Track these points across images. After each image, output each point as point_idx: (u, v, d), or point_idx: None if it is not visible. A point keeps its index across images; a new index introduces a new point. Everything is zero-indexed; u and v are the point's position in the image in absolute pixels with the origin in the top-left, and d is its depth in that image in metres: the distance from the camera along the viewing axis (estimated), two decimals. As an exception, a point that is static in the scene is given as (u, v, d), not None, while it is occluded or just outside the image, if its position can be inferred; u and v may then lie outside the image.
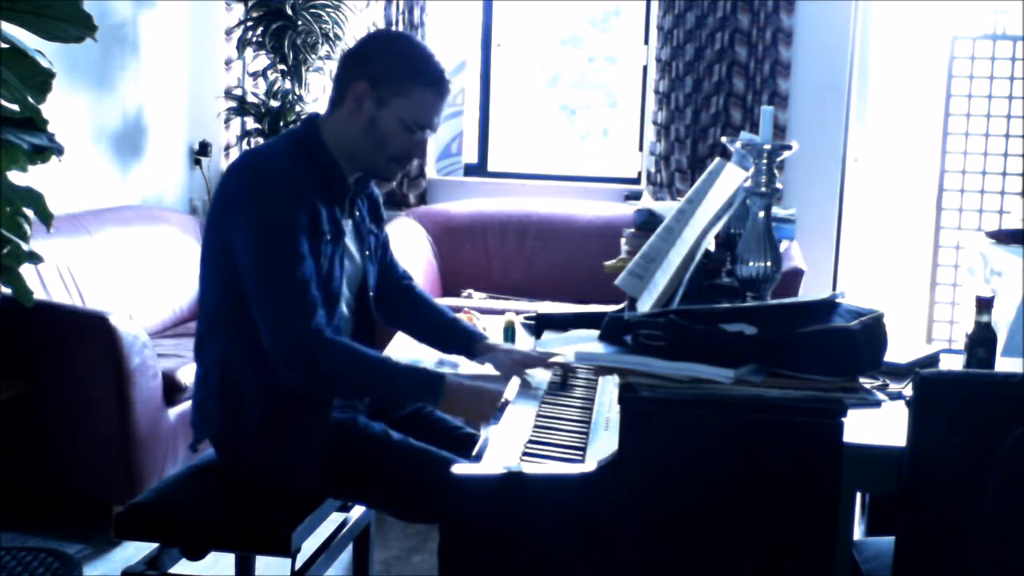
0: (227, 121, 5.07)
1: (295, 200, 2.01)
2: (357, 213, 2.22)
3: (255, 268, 2.00)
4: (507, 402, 1.99)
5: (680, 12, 4.81)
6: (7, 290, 1.99)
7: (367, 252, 2.25)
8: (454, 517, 1.62)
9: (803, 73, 4.88)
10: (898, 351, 2.10)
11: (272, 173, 2.03)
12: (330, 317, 2.10)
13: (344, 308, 2.19)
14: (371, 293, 2.27)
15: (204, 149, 5.04)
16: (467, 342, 2.35)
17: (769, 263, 2.04)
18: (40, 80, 1.89)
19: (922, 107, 5.28)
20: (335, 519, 2.45)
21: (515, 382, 2.11)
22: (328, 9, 4.67)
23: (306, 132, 2.13)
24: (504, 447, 1.75)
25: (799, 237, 4.43)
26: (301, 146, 2.10)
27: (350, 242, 2.19)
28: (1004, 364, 2.17)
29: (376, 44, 2.19)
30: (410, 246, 4.63)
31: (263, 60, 4.79)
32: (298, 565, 2.18)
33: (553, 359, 2.16)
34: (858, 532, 2.34)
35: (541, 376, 2.12)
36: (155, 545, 2.12)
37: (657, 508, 1.58)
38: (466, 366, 2.41)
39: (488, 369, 2.28)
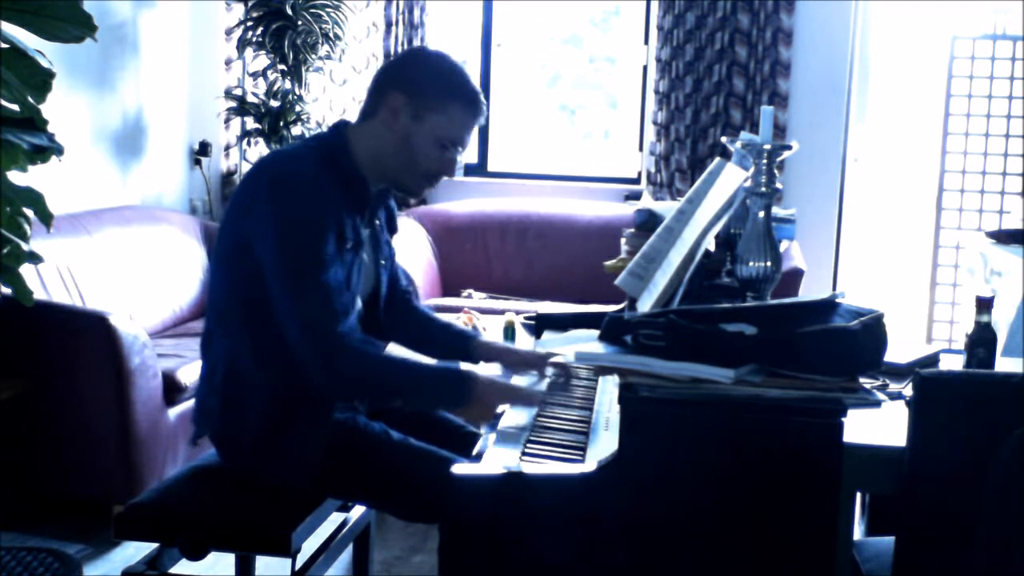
0: (227, 121, 5.07)
1: (322, 206, 2.01)
2: (377, 223, 2.22)
3: (283, 272, 1.98)
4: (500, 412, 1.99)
5: (680, 12, 4.81)
6: (7, 290, 1.99)
7: (382, 261, 2.25)
8: (454, 517, 1.62)
9: (803, 73, 4.88)
10: (898, 351, 2.10)
11: (300, 178, 2.01)
12: None
13: (353, 316, 2.19)
14: (381, 304, 2.27)
15: (204, 149, 5.04)
16: (461, 344, 2.32)
17: (769, 263, 2.04)
18: (40, 80, 1.89)
19: (922, 107, 5.28)
20: (335, 519, 2.45)
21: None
22: (328, 9, 4.67)
23: (333, 139, 2.11)
24: (504, 447, 1.75)
25: (799, 237, 4.43)
26: (327, 153, 2.08)
27: (365, 251, 2.19)
28: (1004, 364, 2.17)
29: (416, 59, 2.21)
30: (410, 246, 4.63)
31: (263, 60, 4.79)
32: (298, 565, 2.18)
33: (553, 359, 2.16)
34: (858, 532, 2.34)
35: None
36: (155, 545, 2.12)
37: (657, 508, 1.58)
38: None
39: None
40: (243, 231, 2.04)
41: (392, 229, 2.32)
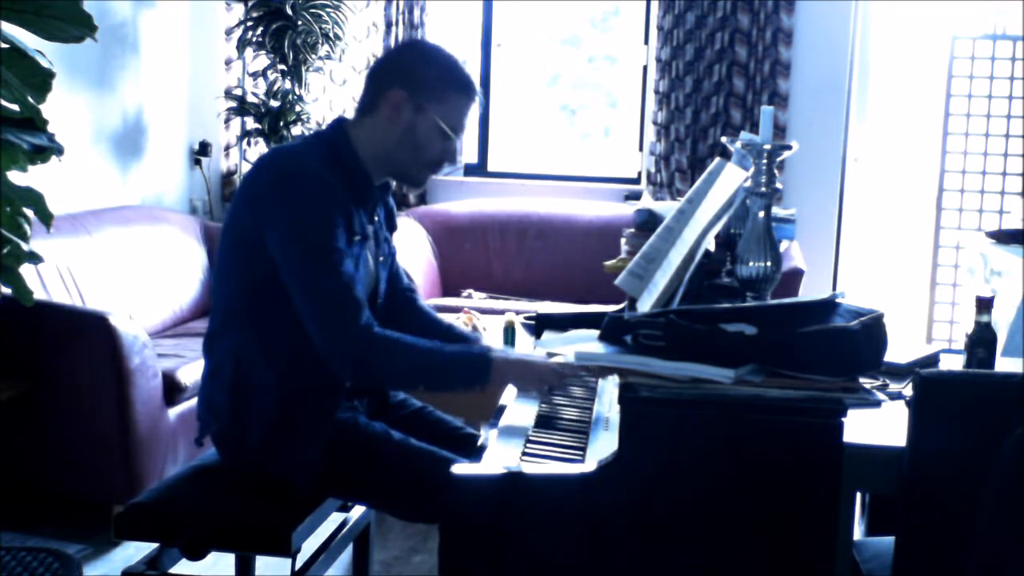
0: (227, 121, 5.07)
1: (330, 201, 2.03)
2: (376, 219, 2.23)
3: (299, 269, 2.00)
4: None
5: (680, 12, 4.81)
6: (7, 290, 1.99)
7: (381, 259, 2.26)
8: (454, 517, 1.62)
9: (803, 73, 4.88)
10: (898, 351, 2.10)
11: (306, 174, 2.03)
12: None
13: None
14: (380, 300, 2.27)
15: (204, 149, 5.04)
16: None
17: (769, 263, 2.04)
18: (40, 80, 1.89)
19: (922, 107, 5.28)
20: (335, 519, 2.45)
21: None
22: (328, 9, 4.67)
23: (335, 136, 2.14)
24: (504, 447, 1.75)
25: (799, 237, 4.43)
26: (330, 150, 2.11)
27: (368, 248, 2.19)
28: (1004, 364, 2.17)
29: (410, 53, 2.27)
30: (410, 246, 4.63)
31: (263, 60, 4.80)
32: (298, 565, 2.18)
33: (553, 359, 2.16)
34: (858, 532, 2.34)
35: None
36: (155, 545, 2.12)
37: (657, 508, 1.58)
38: None
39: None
40: (251, 228, 2.05)
41: (391, 227, 2.34)
